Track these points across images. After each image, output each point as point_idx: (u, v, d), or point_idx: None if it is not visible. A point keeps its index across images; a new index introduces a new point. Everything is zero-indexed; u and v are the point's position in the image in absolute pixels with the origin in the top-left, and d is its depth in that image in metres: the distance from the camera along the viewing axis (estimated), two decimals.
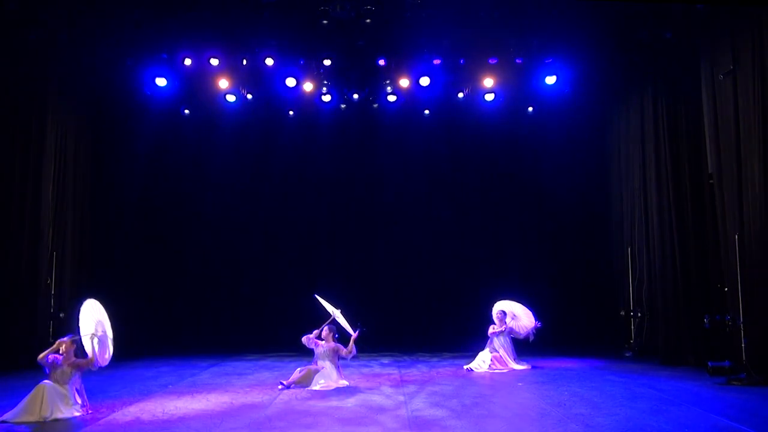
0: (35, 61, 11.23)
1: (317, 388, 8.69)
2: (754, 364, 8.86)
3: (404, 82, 12.77)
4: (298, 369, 9.03)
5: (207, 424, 6.74)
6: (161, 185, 14.43)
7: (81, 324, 7.53)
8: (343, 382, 9.03)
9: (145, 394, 8.37)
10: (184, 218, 14.50)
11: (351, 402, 7.84)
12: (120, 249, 13.81)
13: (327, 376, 8.91)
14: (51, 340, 11.57)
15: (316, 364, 9.13)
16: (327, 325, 9.39)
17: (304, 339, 9.34)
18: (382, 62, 12.31)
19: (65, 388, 7.12)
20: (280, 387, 8.72)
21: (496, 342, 10.69)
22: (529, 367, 10.55)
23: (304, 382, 8.81)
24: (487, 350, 10.64)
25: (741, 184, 9.32)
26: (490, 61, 12.30)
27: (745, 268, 9.23)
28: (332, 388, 8.76)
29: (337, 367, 9.18)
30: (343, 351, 9.20)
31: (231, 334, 13.81)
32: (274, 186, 14.79)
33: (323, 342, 9.29)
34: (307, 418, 6.91)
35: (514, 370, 10.42)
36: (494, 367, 10.38)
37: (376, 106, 14.04)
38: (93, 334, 7.45)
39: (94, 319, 7.56)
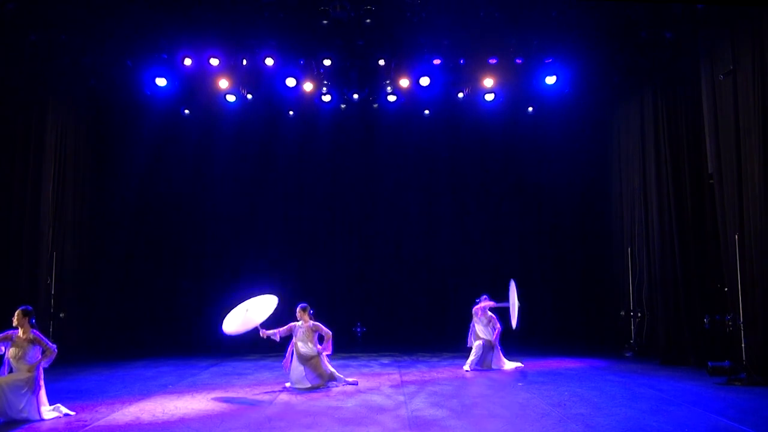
0: (35, 62, 11.23)
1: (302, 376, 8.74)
2: (754, 364, 8.86)
3: (404, 82, 12.76)
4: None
5: (207, 424, 6.74)
6: (161, 185, 14.44)
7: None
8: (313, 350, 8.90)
9: (145, 394, 8.36)
10: (184, 218, 14.51)
11: (351, 402, 7.84)
12: (120, 249, 13.83)
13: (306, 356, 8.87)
14: (51, 340, 11.60)
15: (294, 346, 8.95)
16: (299, 305, 9.13)
17: (273, 334, 8.94)
18: (382, 62, 12.32)
19: (22, 370, 6.94)
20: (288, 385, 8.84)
21: (485, 342, 10.50)
22: (522, 365, 10.51)
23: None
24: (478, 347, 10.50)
25: (741, 184, 9.31)
26: (490, 61, 12.30)
27: (745, 268, 9.23)
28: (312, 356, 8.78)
29: (315, 345, 8.97)
30: (324, 330, 8.97)
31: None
32: (274, 186, 14.81)
33: (299, 322, 9.06)
34: (307, 418, 6.92)
35: (508, 369, 10.36)
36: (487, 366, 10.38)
37: (376, 106, 14.05)
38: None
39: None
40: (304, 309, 9.13)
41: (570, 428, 6.37)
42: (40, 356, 7.10)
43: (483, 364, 10.41)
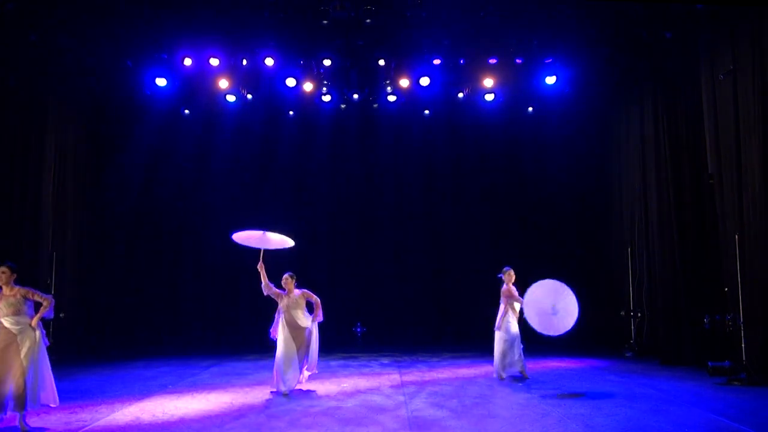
0: (35, 62, 11.23)
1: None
2: (754, 364, 8.86)
3: (404, 82, 12.77)
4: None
5: (207, 424, 6.74)
6: (161, 185, 14.44)
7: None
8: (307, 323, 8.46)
9: (145, 394, 8.36)
10: (184, 218, 14.51)
11: (351, 402, 7.84)
12: (120, 249, 13.84)
13: (301, 324, 8.42)
14: (51, 340, 11.60)
15: (281, 316, 8.42)
16: (286, 274, 8.62)
17: (266, 287, 8.44)
18: (382, 62, 12.33)
19: (15, 323, 6.54)
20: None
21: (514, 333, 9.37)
22: None
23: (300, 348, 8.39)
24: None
25: (741, 184, 9.30)
26: (490, 61, 12.31)
27: (745, 268, 9.22)
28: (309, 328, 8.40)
29: (305, 314, 8.53)
30: (313, 297, 8.52)
31: (231, 334, 13.80)
32: (274, 186, 14.80)
33: (286, 293, 8.55)
34: (307, 418, 6.92)
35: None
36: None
37: (376, 106, 14.05)
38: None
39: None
40: (291, 277, 8.56)
41: (570, 428, 6.36)
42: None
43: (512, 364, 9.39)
